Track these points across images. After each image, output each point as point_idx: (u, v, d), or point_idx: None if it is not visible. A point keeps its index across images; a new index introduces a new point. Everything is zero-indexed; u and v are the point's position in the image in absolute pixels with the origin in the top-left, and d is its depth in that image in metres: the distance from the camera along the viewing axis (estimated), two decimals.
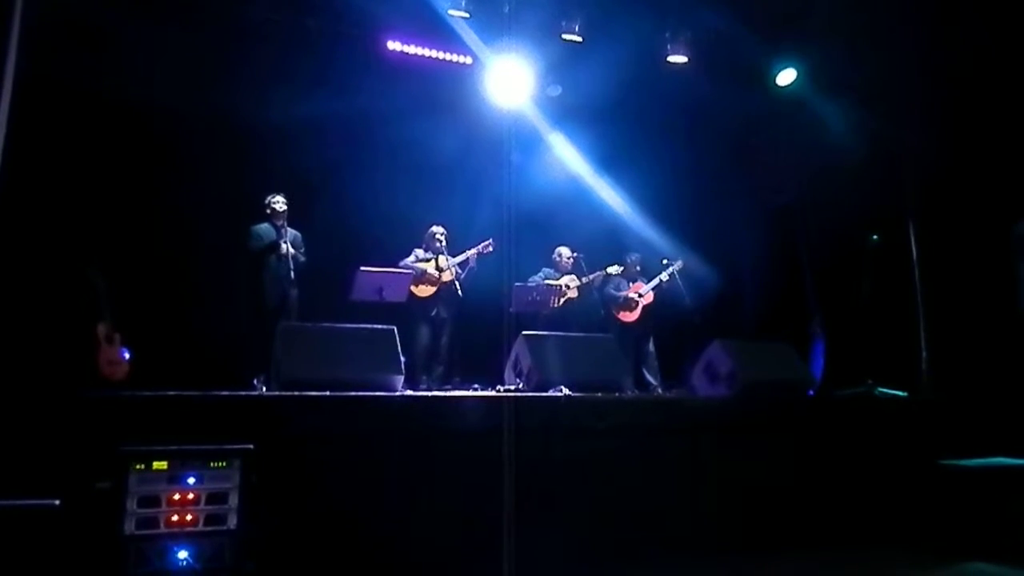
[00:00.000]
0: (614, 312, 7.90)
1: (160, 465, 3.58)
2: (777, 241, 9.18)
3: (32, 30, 4.30)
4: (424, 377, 6.91)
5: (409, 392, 5.22)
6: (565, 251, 7.86)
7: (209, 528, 3.60)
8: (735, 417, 5.44)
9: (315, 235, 6.99)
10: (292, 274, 6.50)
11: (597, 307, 7.63)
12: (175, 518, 3.55)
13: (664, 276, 7.86)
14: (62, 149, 6.46)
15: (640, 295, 7.87)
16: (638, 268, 8.01)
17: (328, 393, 4.38)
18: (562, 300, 7.67)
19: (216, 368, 5.69)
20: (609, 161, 8.62)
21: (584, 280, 7.68)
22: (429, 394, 5.64)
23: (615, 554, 4.68)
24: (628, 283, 7.99)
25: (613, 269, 7.82)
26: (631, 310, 7.88)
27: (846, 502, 5.48)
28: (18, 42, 4.13)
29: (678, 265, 7.94)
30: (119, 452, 3.54)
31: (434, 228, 7.34)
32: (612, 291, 7.94)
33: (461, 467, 4.45)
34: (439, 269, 7.19)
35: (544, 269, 7.84)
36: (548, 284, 7.66)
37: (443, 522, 4.37)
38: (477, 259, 7.29)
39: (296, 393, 4.35)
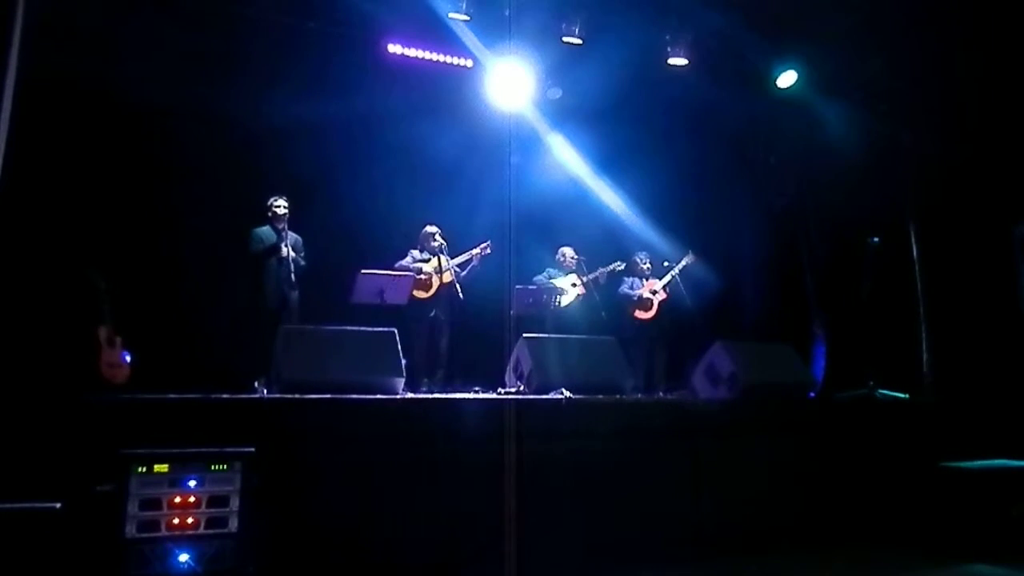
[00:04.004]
0: (630, 311, 7.95)
1: (161, 468, 3.59)
2: (778, 242, 9.18)
3: (33, 31, 4.31)
4: (425, 379, 6.90)
5: (410, 394, 5.22)
6: (568, 251, 7.93)
7: (210, 531, 3.61)
8: (736, 419, 5.44)
9: (316, 237, 6.99)
10: (292, 277, 6.49)
11: (599, 309, 7.63)
12: (176, 521, 3.56)
13: (676, 270, 7.94)
14: (63, 151, 6.47)
15: (655, 292, 7.91)
16: (647, 266, 8.05)
17: (329, 396, 4.38)
18: (570, 299, 7.71)
19: (217, 371, 5.69)
20: (609, 163, 8.62)
21: (589, 277, 7.71)
22: (430, 396, 5.64)
23: (616, 555, 4.68)
24: (641, 281, 8.03)
25: (616, 265, 7.89)
26: (647, 308, 7.92)
27: (847, 504, 5.48)
28: (19, 42, 4.14)
29: (689, 258, 8.02)
30: (120, 455, 3.55)
31: (429, 228, 7.31)
32: (627, 290, 7.98)
33: (462, 469, 4.45)
34: (439, 270, 7.18)
35: (548, 269, 7.89)
36: (553, 283, 7.70)
37: (444, 524, 4.37)
38: (480, 260, 7.30)
39: (297, 396, 4.35)
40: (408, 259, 7.24)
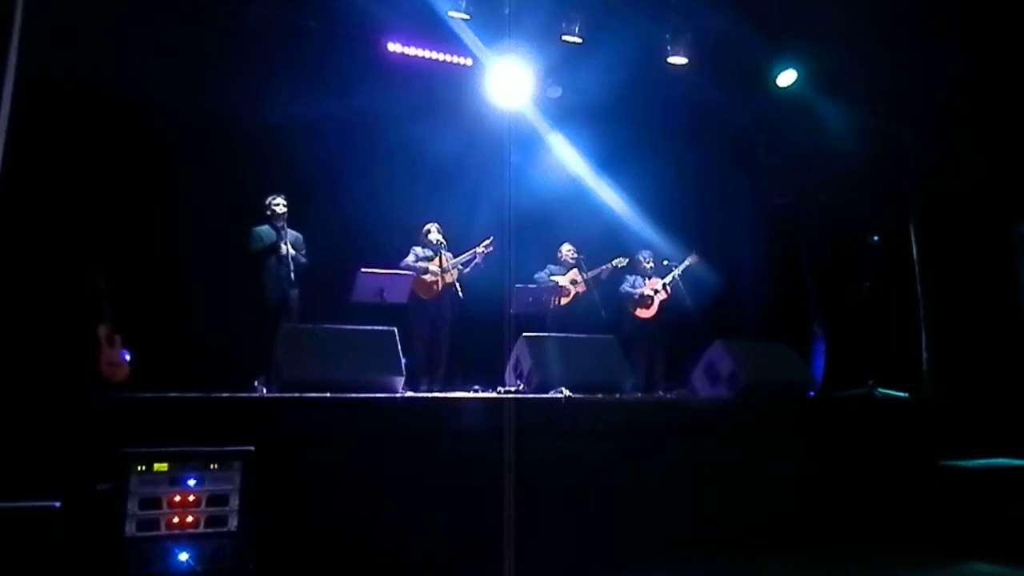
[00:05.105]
0: (631, 309, 7.97)
1: (161, 467, 3.58)
2: (777, 241, 9.18)
3: (33, 29, 4.30)
4: (425, 378, 6.91)
5: (410, 393, 5.21)
6: (567, 248, 7.94)
7: (210, 530, 3.60)
8: (736, 418, 5.44)
9: (315, 236, 6.99)
10: (292, 275, 6.49)
11: (598, 308, 7.63)
12: (176, 520, 3.56)
13: (679, 270, 7.94)
14: (62, 150, 6.47)
15: (656, 291, 7.92)
16: (650, 265, 8.06)
17: (329, 395, 4.38)
18: (571, 296, 7.72)
19: (216, 370, 5.69)
20: (609, 162, 8.63)
21: (591, 274, 7.72)
22: (430, 395, 5.63)
23: (616, 555, 4.68)
24: (643, 280, 8.04)
25: (618, 261, 7.91)
26: (648, 307, 7.96)
27: (847, 503, 5.48)
28: (19, 41, 4.13)
29: (692, 259, 8.03)
30: (120, 454, 3.54)
31: (429, 225, 7.34)
32: (628, 288, 7.99)
33: (462, 468, 4.45)
34: (442, 269, 7.19)
35: (549, 266, 7.92)
36: (553, 280, 7.71)
37: (444, 523, 4.37)
38: (483, 258, 7.30)
39: (297, 395, 4.35)
40: (411, 257, 7.24)
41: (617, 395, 5.49)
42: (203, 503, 3.61)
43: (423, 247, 7.32)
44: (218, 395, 4.32)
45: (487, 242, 7.34)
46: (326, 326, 5.30)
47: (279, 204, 6.67)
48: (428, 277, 7.17)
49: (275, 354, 5.05)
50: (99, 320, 6.00)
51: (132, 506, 3.49)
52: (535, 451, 4.50)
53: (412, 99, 7.81)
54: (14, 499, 3.33)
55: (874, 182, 7.99)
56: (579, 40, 7.77)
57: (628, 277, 8.07)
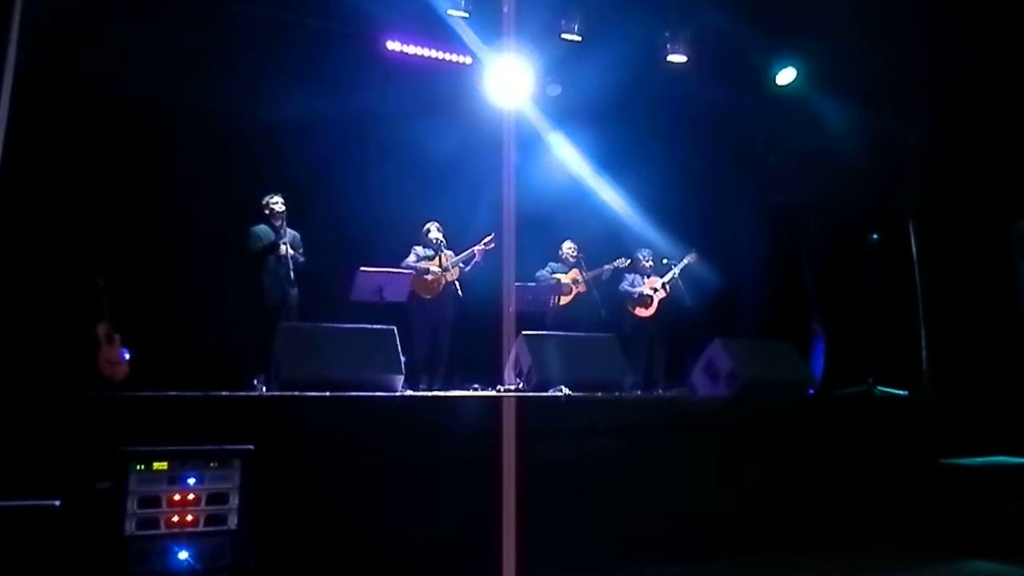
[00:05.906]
0: (629, 308, 7.97)
1: (160, 465, 3.58)
2: (777, 240, 9.18)
3: (30, 27, 4.29)
4: (424, 377, 6.90)
5: (409, 392, 5.21)
6: (568, 245, 7.93)
7: (209, 528, 3.60)
8: (735, 416, 5.44)
9: (314, 235, 6.98)
10: (291, 274, 6.48)
11: (598, 307, 7.64)
12: (175, 518, 3.55)
13: (678, 269, 7.94)
14: (61, 148, 6.46)
15: (655, 290, 7.92)
16: (649, 263, 8.06)
17: (328, 393, 4.38)
18: (571, 296, 7.72)
19: (216, 368, 5.68)
20: (609, 161, 8.62)
21: (591, 274, 7.72)
22: (429, 394, 5.63)
23: (615, 554, 4.68)
24: (642, 278, 8.04)
25: (620, 262, 7.90)
26: (647, 306, 7.95)
27: (846, 501, 5.49)
28: (17, 39, 4.13)
29: (691, 257, 8.02)
30: (119, 452, 3.54)
31: (429, 224, 7.34)
32: (627, 287, 7.99)
33: (461, 467, 4.45)
34: (442, 268, 7.19)
35: (550, 264, 7.92)
36: (556, 278, 7.71)
37: (443, 522, 4.37)
38: (483, 255, 7.30)
39: (296, 393, 4.35)
40: (412, 257, 7.24)
41: (616, 394, 5.49)
42: (203, 501, 3.61)
43: (423, 246, 7.31)
44: (217, 393, 4.32)
45: (487, 239, 7.33)
46: (325, 325, 5.30)
47: (277, 203, 6.66)
48: (429, 276, 7.17)
49: (274, 353, 5.04)
50: (98, 319, 5.99)
51: (131, 505, 3.49)
52: (535, 450, 4.49)
53: (411, 97, 7.79)
54: (13, 498, 3.33)
55: (874, 180, 7.99)
56: (578, 38, 7.74)
57: (627, 276, 8.07)
